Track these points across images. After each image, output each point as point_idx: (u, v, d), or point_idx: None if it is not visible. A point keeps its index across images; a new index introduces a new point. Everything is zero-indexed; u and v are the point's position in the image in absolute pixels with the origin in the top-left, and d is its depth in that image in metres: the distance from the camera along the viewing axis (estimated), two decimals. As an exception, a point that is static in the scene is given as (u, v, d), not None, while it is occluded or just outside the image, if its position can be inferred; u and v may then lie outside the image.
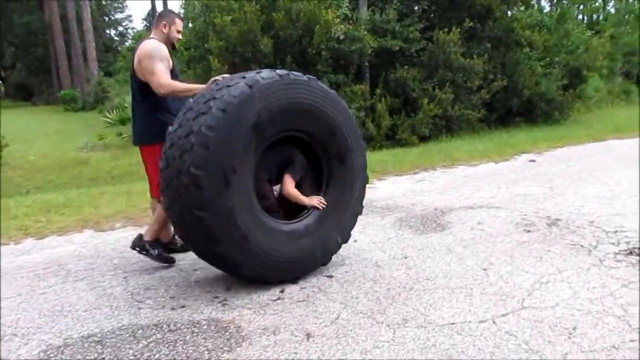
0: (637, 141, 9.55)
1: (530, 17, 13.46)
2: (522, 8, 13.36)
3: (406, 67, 10.99)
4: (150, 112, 3.51)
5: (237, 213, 2.89)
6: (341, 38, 9.99)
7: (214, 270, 3.50)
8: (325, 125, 3.23)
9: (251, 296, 3.08)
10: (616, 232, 4.06)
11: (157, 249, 3.62)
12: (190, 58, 12.64)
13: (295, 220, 3.28)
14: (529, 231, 4.16)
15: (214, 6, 11.30)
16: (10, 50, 38.69)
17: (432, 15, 12.16)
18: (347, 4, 10.80)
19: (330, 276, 3.35)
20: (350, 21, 10.77)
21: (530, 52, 12.79)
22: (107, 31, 46.97)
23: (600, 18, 21.90)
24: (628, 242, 3.80)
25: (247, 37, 10.12)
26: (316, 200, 3.34)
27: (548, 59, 13.25)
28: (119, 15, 48.43)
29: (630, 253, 3.59)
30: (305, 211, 3.34)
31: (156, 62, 3.33)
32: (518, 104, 12.72)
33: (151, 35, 3.58)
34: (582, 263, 3.41)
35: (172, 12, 3.85)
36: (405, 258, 3.63)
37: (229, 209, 2.85)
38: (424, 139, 10.87)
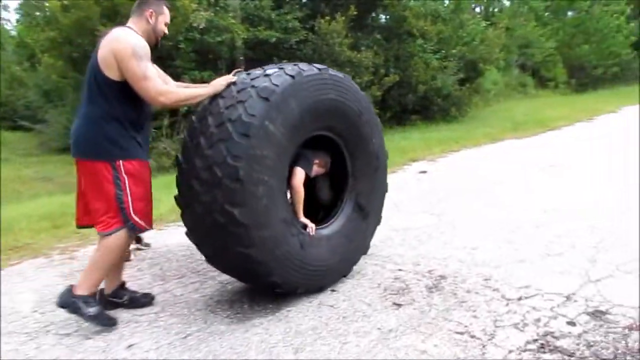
0: (534, 140, 8.78)
1: (424, 6, 12.48)
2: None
3: (285, 61, 9.53)
4: (110, 120, 2.56)
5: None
6: (201, 27, 8.33)
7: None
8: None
9: None
10: (520, 298, 2.80)
11: (94, 306, 2.61)
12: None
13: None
14: (399, 305, 2.80)
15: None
16: None
17: (314, 2, 10.79)
18: (212, -12, 9.13)
19: None
20: (217, 8, 9.12)
21: (425, 44, 11.80)
22: None
23: (496, 10, 21.72)
24: (537, 321, 2.54)
25: (86, 26, 8.21)
26: (309, 226, 2.93)
27: (444, 51, 12.33)
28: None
29: (542, 347, 2.32)
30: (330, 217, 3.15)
31: (145, 63, 2.52)
32: (414, 100, 11.69)
33: (128, 24, 2.66)
34: (470, 383, 2.08)
35: None
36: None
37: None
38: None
